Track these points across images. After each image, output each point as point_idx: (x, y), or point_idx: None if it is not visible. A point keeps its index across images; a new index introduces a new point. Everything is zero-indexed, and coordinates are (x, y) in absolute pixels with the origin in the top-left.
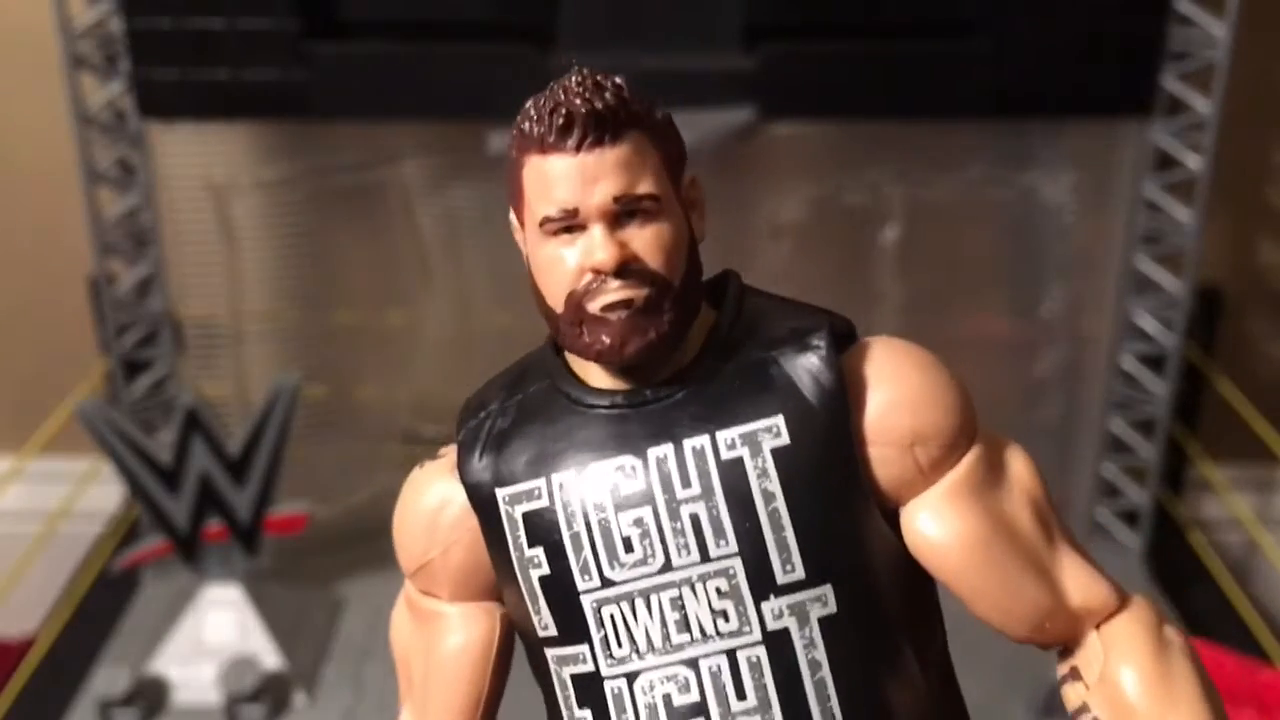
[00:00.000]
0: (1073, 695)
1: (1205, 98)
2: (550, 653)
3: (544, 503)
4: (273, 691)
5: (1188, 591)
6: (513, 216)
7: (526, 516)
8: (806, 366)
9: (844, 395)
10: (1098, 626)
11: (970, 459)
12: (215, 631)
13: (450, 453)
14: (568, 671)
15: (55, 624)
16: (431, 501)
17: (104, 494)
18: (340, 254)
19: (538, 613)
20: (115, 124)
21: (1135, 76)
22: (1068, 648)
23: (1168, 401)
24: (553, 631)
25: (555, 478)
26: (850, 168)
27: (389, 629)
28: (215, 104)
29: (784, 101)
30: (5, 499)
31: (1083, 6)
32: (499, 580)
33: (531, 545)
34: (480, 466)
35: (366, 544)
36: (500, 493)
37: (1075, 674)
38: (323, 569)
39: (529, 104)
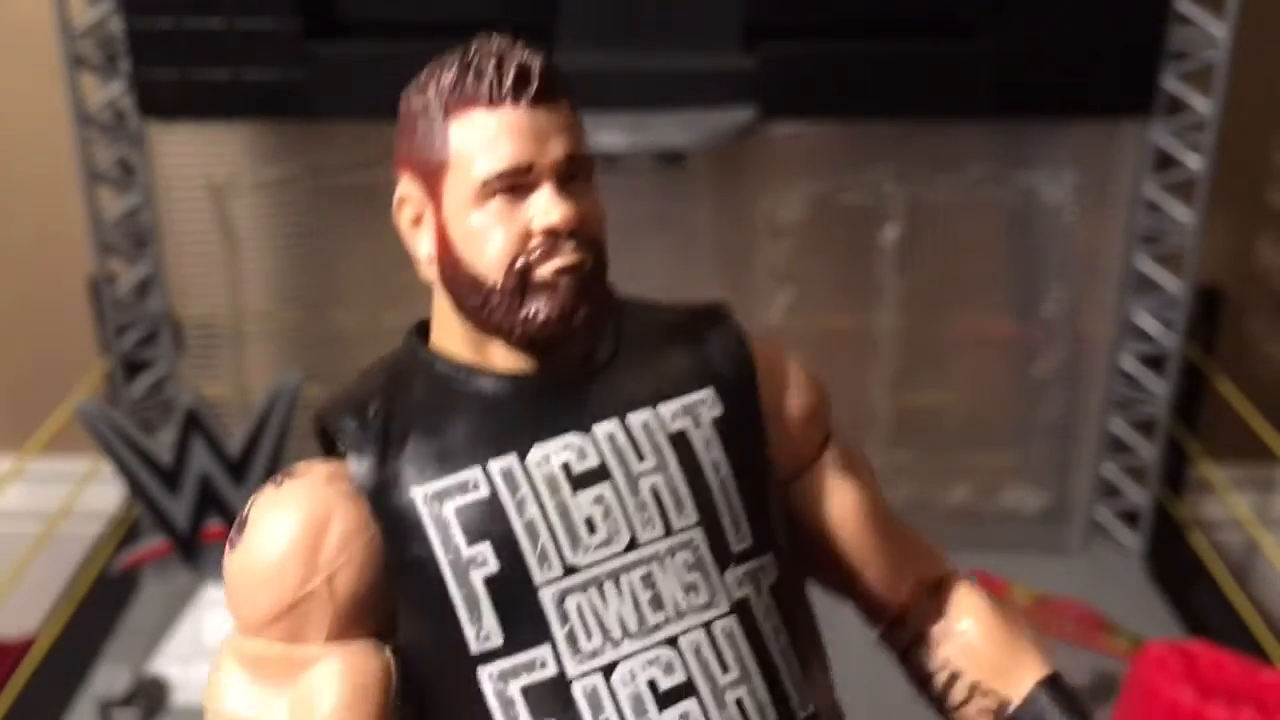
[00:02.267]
0: (924, 660)
1: (1205, 98)
2: (489, 669)
3: (483, 493)
4: None
5: (1188, 591)
6: (404, 190)
7: (462, 511)
8: (721, 343)
9: (754, 370)
10: (931, 593)
11: (839, 438)
12: (215, 631)
13: (312, 468)
14: (517, 685)
15: (55, 624)
16: (308, 522)
17: (104, 494)
18: (340, 254)
19: (476, 622)
20: (115, 124)
21: (1135, 76)
22: (901, 617)
23: (1168, 401)
24: (496, 642)
25: (493, 464)
26: (850, 168)
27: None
28: (215, 104)
29: (784, 101)
30: (5, 499)
31: (1083, 7)
32: (401, 605)
33: (472, 543)
34: (384, 469)
35: None
36: (419, 491)
37: (921, 639)
38: None
39: (451, 61)
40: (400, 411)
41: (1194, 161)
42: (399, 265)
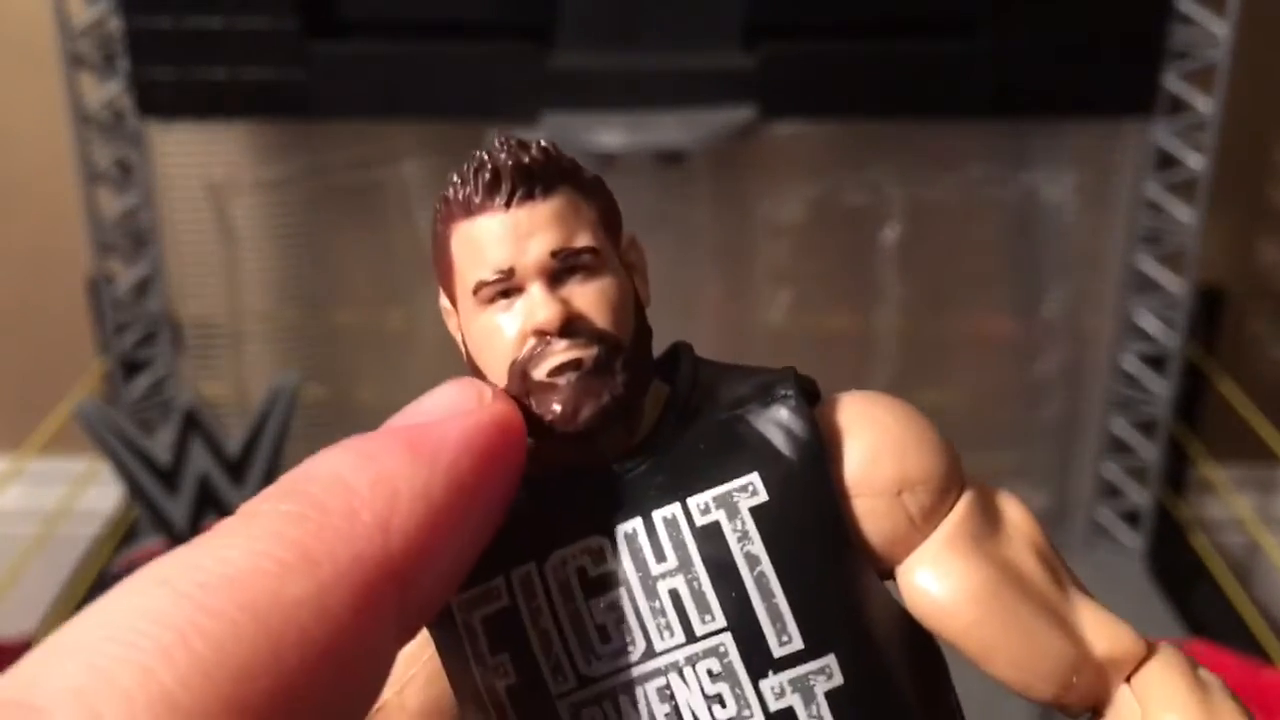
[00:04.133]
0: None
1: (1207, 97)
2: None
3: (504, 602)
4: None
5: (1189, 592)
6: (443, 302)
7: (486, 621)
8: (776, 420)
9: (820, 445)
10: (1128, 679)
11: (963, 505)
12: None
13: None
14: None
15: (53, 625)
16: None
17: (102, 494)
18: (340, 254)
19: None
20: (114, 123)
21: (1136, 76)
22: (1096, 708)
23: (1169, 402)
24: None
25: (515, 573)
26: (850, 168)
27: None
28: (215, 103)
29: (784, 101)
30: (3, 499)
31: (1083, 6)
32: (462, 709)
33: (495, 653)
34: None
35: None
36: (455, 601)
37: None
38: None
39: (451, 177)
40: None
41: (1195, 161)
42: (398, 265)
